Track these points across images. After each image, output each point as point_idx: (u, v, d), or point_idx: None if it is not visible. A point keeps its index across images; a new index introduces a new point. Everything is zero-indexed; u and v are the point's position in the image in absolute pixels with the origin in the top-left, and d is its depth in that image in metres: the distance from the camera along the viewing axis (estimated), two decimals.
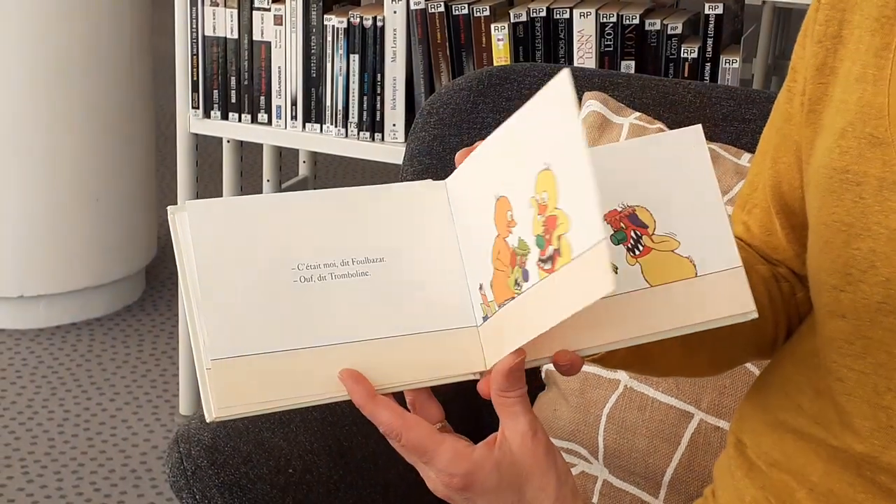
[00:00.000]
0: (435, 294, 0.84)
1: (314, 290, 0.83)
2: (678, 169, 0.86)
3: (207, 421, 0.81)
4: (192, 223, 0.83)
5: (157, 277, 3.17)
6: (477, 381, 0.84)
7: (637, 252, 0.85)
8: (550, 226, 0.78)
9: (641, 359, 0.93)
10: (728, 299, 0.84)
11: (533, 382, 1.41)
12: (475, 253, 0.85)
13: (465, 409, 1.16)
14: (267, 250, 0.83)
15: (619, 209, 0.86)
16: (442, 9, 2.11)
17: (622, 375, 1.33)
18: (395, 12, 2.15)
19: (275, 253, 0.83)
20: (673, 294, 0.84)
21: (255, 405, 0.81)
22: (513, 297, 0.81)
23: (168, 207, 0.84)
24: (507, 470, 0.82)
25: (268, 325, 0.81)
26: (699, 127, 0.87)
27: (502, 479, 0.82)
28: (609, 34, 2.04)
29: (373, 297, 0.83)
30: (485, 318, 0.85)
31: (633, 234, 0.85)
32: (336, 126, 2.24)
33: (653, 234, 0.85)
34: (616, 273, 0.84)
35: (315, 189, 3.04)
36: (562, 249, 0.77)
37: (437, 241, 0.86)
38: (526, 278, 0.80)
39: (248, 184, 2.78)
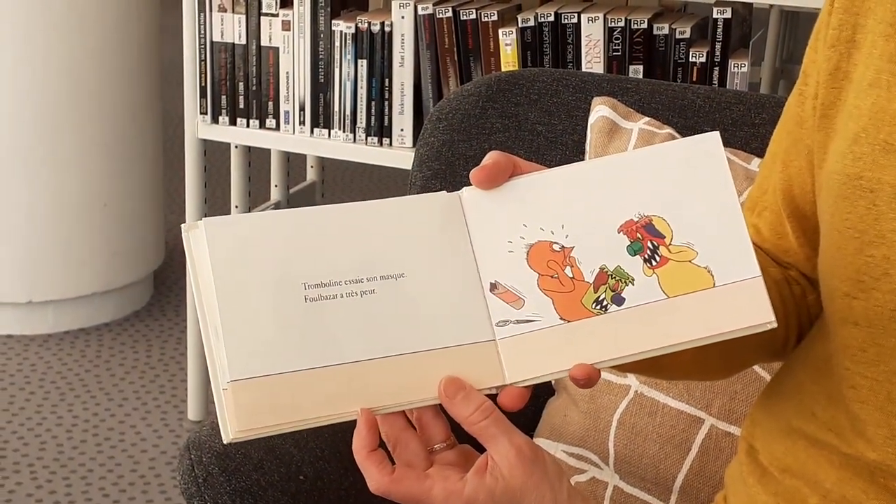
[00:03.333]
0: (450, 309, 0.84)
1: (329, 308, 0.82)
2: (695, 177, 0.85)
3: (225, 442, 0.80)
4: (209, 241, 0.82)
5: (165, 283, 3.17)
6: (495, 395, 0.84)
7: (654, 263, 0.84)
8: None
9: (653, 363, 0.93)
10: (747, 310, 0.83)
11: (543, 387, 1.41)
12: (494, 255, 0.85)
13: None
14: (282, 269, 0.82)
15: (636, 219, 0.85)
16: (450, 14, 2.11)
17: (633, 381, 1.33)
18: (402, 17, 2.15)
19: (290, 271, 0.82)
20: (691, 305, 0.83)
21: (272, 426, 0.80)
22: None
23: (182, 225, 0.84)
24: (502, 495, 0.82)
25: (283, 344, 0.81)
26: (716, 134, 0.86)
27: None
28: (617, 39, 2.04)
29: (388, 314, 0.83)
30: (502, 324, 0.84)
31: (649, 244, 0.85)
32: (344, 131, 2.24)
33: (670, 244, 0.85)
34: (634, 285, 0.84)
35: (323, 195, 3.05)
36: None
37: (452, 254, 0.85)
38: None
39: (256, 189, 2.78)
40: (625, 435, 1.31)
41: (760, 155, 1.37)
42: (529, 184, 0.87)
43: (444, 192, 0.88)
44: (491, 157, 0.87)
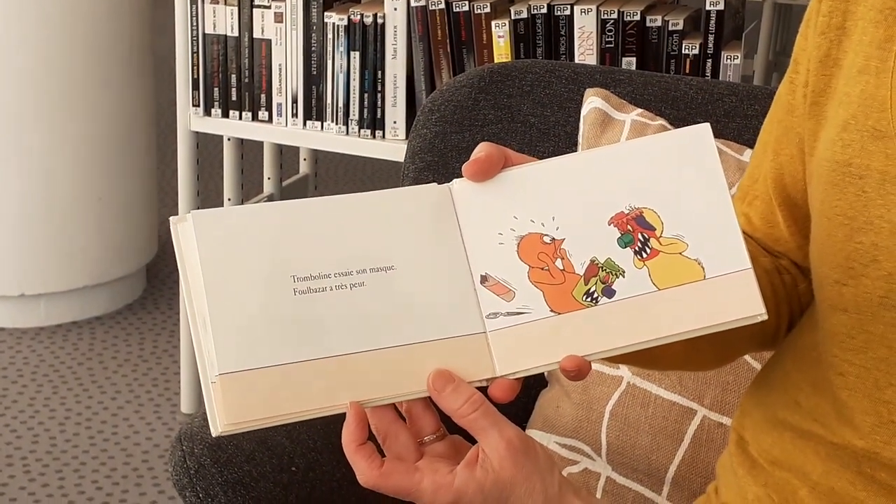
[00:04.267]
0: (440, 301, 0.84)
1: (318, 301, 0.82)
2: (686, 169, 0.85)
3: (213, 435, 0.80)
4: (197, 234, 0.82)
5: (158, 276, 3.17)
6: (485, 388, 0.84)
7: (644, 255, 0.84)
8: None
9: (644, 355, 0.93)
10: (737, 302, 0.83)
11: (535, 379, 1.41)
12: (485, 247, 0.85)
13: None
14: (271, 262, 0.82)
15: (627, 211, 0.85)
16: (442, 6, 2.10)
17: (625, 372, 1.33)
18: (395, 9, 2.15)
19: (279, 264, 0.82)
20: (681, 297, 0.83)
21: (261, 419, 0.80)
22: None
23: (170, 218, 0.83)
24: (491, 488, 0.82)
25: (273, 337, 0.81)
26: (707, 126, 0.86)
27: (487, 498, 0.82)
28: (610, 31, 2.04)
29: (378, 306, 0.83)
30: (493, 316, 0.84)
31: (640, 236, 0.85)
32: (337, 123, 2.23)
33: (660, 236, 0.85)
34: (625, 277, 0.84)
35: (316, 187, 3.04)
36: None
37: (442, 246, 0.85)
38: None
39: (249, 182, 2.78)
40: (617, 426, 1.32)
41: (753, 146, 1.37)
42: (520, 176, 0.87)
43: (435, 184, 0.88)
44: (483, 150, 0.87)
